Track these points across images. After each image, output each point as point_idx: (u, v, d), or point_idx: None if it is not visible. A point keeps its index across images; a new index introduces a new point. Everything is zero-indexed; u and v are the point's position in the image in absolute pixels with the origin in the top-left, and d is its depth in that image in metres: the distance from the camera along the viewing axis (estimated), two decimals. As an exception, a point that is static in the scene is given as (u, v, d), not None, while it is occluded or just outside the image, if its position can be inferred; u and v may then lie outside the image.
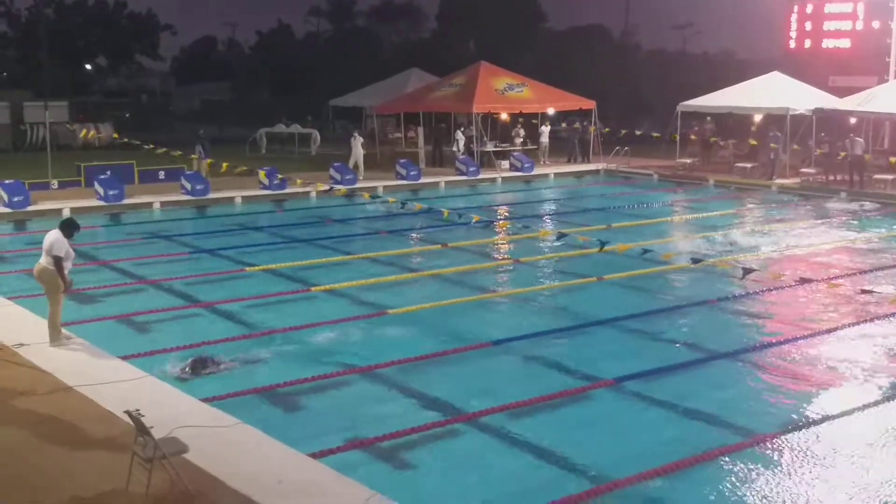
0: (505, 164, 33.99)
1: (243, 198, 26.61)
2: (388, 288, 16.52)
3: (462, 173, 31.92)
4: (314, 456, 8.95)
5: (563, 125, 40.15)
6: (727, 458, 9.36)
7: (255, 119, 44.81)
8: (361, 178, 29.44)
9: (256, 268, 17.78)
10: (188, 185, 26.24)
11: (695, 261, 16.73)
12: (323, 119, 45.29)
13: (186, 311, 14.90)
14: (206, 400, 10.28)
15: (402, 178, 30.28)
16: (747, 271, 15.48)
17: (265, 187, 27.25)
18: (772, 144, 30.85)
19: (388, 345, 12.97)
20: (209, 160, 27.83)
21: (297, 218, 24.34)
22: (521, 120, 38.15)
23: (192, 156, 28.38)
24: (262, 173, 25.78)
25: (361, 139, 31.51)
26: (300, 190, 27.14)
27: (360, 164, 30.57)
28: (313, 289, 16.19)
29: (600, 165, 35.27)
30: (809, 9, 41.47)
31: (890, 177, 28.76)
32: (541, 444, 9.71)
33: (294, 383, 11.34)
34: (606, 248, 17.06)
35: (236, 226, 23.10)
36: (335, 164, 29.65)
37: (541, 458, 9.46)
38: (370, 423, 10.14)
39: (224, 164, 25.29)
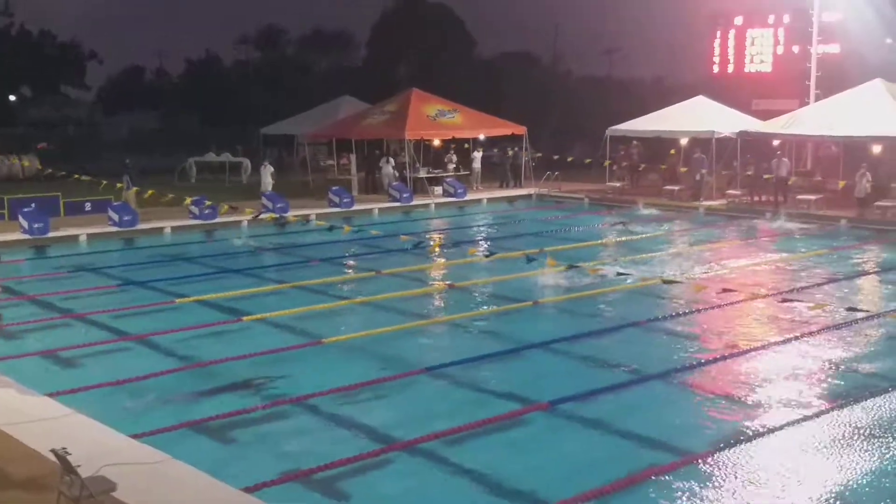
0: (438, 189, 34.12)
1: (173, 228, 26.24)
2: (322, 316, 16.39)
3: (395, 200, 31.94)
4: (247, 490, 8.80)
5: (496, 151, 40.41)
6: (661, 478, 9.45)
7: (184, 148, 44.27)
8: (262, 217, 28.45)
9: (187, 299, 17.50)
10: (115, 217, 25.79)
11: (619, 274, 17.11)
12: (254, 147, 44.94)
13: (115, 345, 14.59)
14: (135, 436, 10.05)
15: (335, 205, 30.19)
16: (668, 282, 15.76)
17: (195, 217, 26.92)
18: (702, 170, 31.49)
19: (323, 374, 12.85)
20: (135, 188, 27.40)
21: (228, 247, 24.06)
22: (453, 146, 38.34)
23: (119, 184, 27.90)
24: (188, 199, 25.46)
25: (272, 168, 31.36)
26: (231, 219, 26.85)
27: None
28: (245, 318, 15.98)
29: (532, 190, 35.58)
30: (732, 34, 42.55)
31: (813, 197, 29.51)
32: (478, 470, 9.68)
33: (226, 416, 11.16)
34: (544, 271, 17.21)
35: (166, 256, 22.75)
36: (266, 193, 29.45)
37: (478, 484, 9.43)
38: (305, 455, 10.02)
39: (149, 192, 24.88)
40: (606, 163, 34.95)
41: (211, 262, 21.93)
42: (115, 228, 25.59)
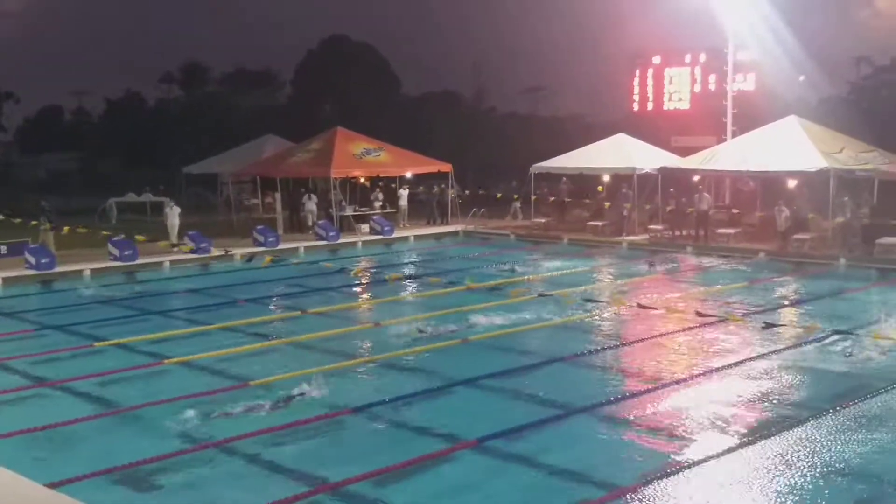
0: (365, 227, 34.03)
1: (92, 270, 25.60)
2: (247, 358, 16.12)
3: (322, 238, 31.74)
4: (170, 538, 8.54)
5: (422, 188, 40.51)
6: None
7: (105, 189, 43.47)
8: (177, 249, 27.99)
9: (106, 342, 17.06)
10: (32, 259, 25.07)
11: (541, 295, 17.26)
12: (176, 187, 44.35)
13: (32, 392, 14.14)
14: (53, 485, 9.68)
15: (261, 244, 29.84)
16: (589, 303, 15.76)
17: (115, 258, 26.35)
18: (627, 205, 32.02)
19: (249, 417, 12.59)
20: (49, 224, 26.75)
21: (149, 289, 23.57)
22: (379, 184, 38.35)
23: (32, 222, 27.20)
24: (105, 232, 24.86)
25: (178, 209, 30.60)
26: (152, 260, 26.38)
27: (173, 234, 29.55)
28: (167, 361, 15.63)
29: (459, 227, 35.74)
30: (650, 73, 43.52)
31: (732, 231, 30.18)
32: (407, 511, 9.58)
33: (149, 462, 10.86)
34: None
35: (85, 299, 22.17)
36: (189, 233, 28.98)
37: (407, 525, 9.32)
38: (230, 500, 9.81)
39: (65, 228, 24.23)
40: (535, 198, 35.42)
41: (132, 304, 21.45)
42: (32, 271, 24.87)
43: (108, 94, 78.55)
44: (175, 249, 25.68)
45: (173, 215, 30.13)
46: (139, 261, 26.47)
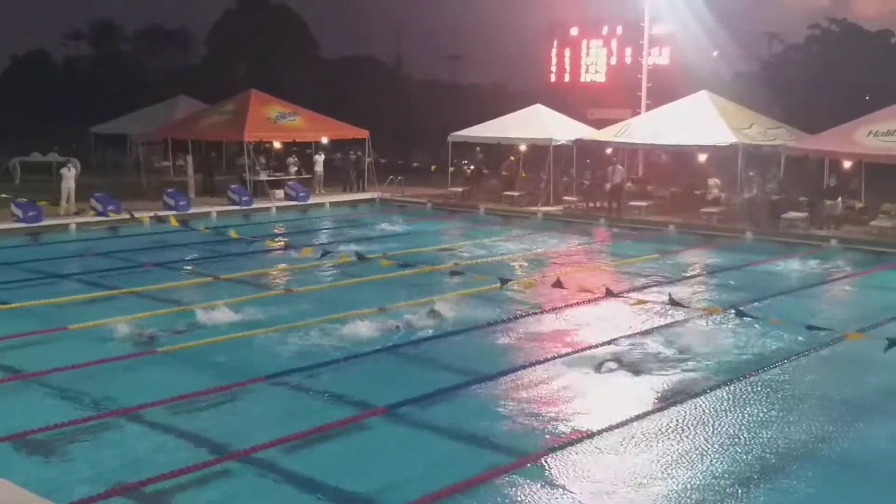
0: (279, 193, 33.60)
1: (-7, 232, 24.80)
2: (156, 324, 15.77)
3: (235, 203, 31.24)
4: (71, 506, 8.37)
5: (338, 154, 40.14)
6: (499, 479, 9.56)
7: (8, 147, 41.98)
8: (70, 213, 27.30)
9: (7, 306, 16.54)
10: (-70, 219, 24.17)
11: (453, 273, 17.36)
12: (84, 147, 43.07)
13: (-74, 356, 13.64)
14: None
15: (171, 208, 29.18)
16: (504, 281, 15.75)
17: (19, 220, 25.51)
18: (543, 176, 32.23)
19: (156, 384, 12.37)
20: None
21: (55, 252, 22.91)
22: (294, 149, 37.87)
23: None
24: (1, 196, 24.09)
25: (75, 170, 29.15)
26: (58, 222, 25.63)
27: (71, 196, 28.31)
28: (71, 327, 15.23)
29: (375, 194, 35.57)
30: (568, 45, 43.76)
31: (644, 203, 30.69)
32: (317, 477, 9.55)
33: (50, 429, 10.58)
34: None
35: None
36: (96, 195, 28.17)
37: (317, 492, 9.30)
38: (136, 467, 9.62)
39: None
40: (453, 168, 35.40)
41: (35, 268, 20.81)
42: (-71, 231, 23.99)
43: (14, 49, 75.86)
44: (62, 213, 24.96)
45: (68, 177, 28.53)
46: (44, 222, 25.69)
